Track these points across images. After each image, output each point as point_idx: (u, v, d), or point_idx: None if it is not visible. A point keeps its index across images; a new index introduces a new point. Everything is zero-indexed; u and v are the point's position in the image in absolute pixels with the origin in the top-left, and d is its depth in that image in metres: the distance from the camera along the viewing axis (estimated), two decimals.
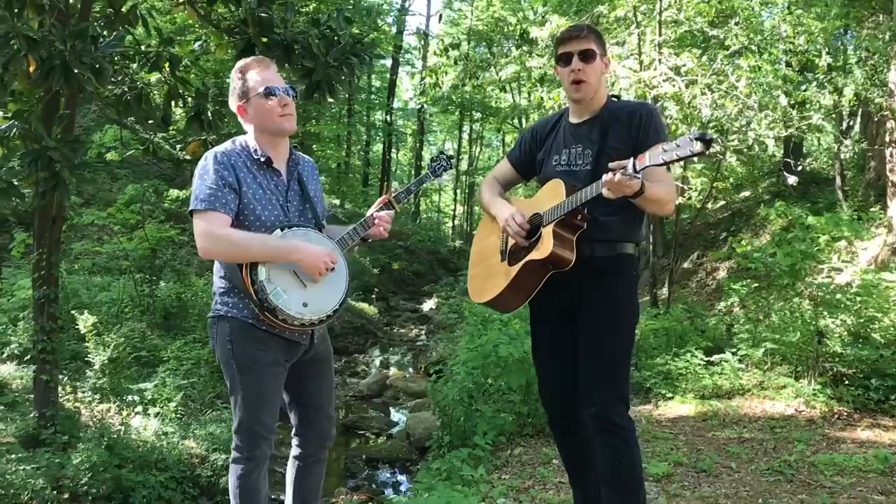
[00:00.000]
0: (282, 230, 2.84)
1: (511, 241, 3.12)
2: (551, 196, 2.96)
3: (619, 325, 2.98)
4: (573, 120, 3.14)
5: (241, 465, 2.92)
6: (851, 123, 16.28)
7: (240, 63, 2.99)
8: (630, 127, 2.96)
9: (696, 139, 2.36)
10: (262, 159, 2.92)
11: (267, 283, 2.74)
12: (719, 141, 9.03)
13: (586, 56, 2.97)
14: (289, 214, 2.96)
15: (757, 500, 4.63)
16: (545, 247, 2.87)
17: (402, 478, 7.62)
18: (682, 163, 2.40)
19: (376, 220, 3.13)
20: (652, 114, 3.04)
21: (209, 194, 2.76)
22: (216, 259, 2.90)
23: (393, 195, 3.29)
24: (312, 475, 3.20)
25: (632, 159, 2.55)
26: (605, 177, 2.62)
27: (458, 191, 38.24)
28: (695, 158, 2.50)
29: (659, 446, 5.81)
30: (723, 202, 17.59)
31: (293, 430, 3.19)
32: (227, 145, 2.95)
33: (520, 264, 2.98)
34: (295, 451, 3.21)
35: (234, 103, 2.97)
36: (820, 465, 5.16)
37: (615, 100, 3.17)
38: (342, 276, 2.97)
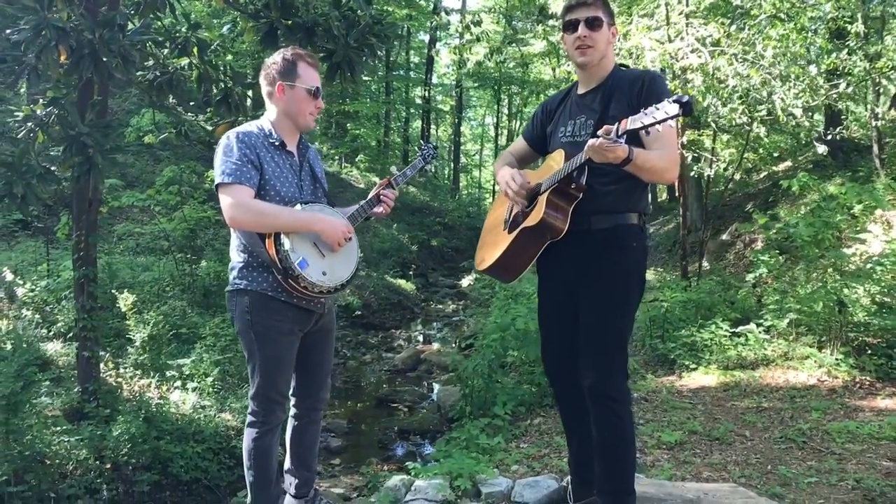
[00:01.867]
0: (301, 205, 3.05)
1: (514, 211, 3.18)
2: (553, 165, 3.01)
3: (618, 298, 2.99)
4: (580, 91, 3.15)
5: (257, 428, 3.13)
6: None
7: (293, 48, 3.14)
8: (631, 94, 2.92)
9: (675, 101, 2.37)
10: (277, 142, 3.11)
11: (291, 252, 2.92)
12: (746, 111, 8.94)
13: (592, 23, 2.95)
14: (303, 192, 3.16)
15: (766, 466, 4.71)
16: (537, 213, 2.90)
17: (431, 449, 7.81)
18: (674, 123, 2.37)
19: (382, 199, 3.32)
20: (655, 80, 2.97)
21: (234, 169, 2.92)
22: (244, 228, 3.03)
23: (393, 178, 3.47)
24: (308, 434, 3.40)
25: (616, 124, 2.54)
26: (589, 141, 2.62)
27: None
28: (671, 123, 2.48)
29: (676, 416, 5.90)
30: (764, 173, 17.36)
31: (291, 391, 3.38)
32: (245, 127, 3.12)
33: (516, 231, 3.04)
34: (292, 410, 3.41)
35: (274, 81, 3.07)
36: (833, 433, 5.20)
37: (623, 69, 3.13)
38: (354, 248, 3.19)
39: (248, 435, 3.15)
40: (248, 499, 3.23)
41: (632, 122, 2.48)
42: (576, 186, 2.86)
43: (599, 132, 2.59)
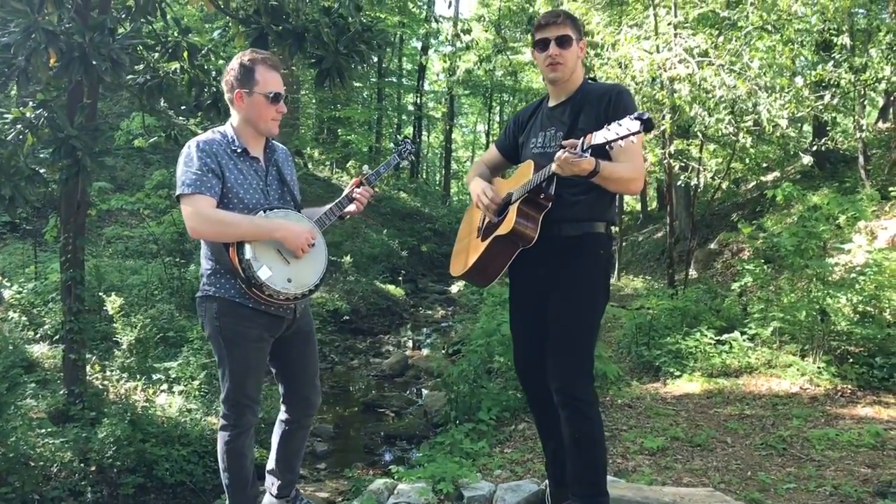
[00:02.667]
0: (264, 212, 3.03)
1: (486, 219, 3.27)
2: (523, 175, 3.10)
3: (585, 303, 3.08)
4: (551, 104, 3.25)
5: (229, 431, 3.15)
6: (884, 104, 16.08)
7: (251, 52, 3.10)
8: (599, 108, 3.02)
9: (636, 118, 2.49)
10: (240, 149, 3.06)
11: (254, 260, 2.90)
12: (732, 122, 9.03)
13: (563, 42, 3.06)
14: (269, 197, 3.13)
15: (746, 472, 4.77)
16: (508, 222, 3.00)
17: (418, 454, 7.83)
18: (635, 139, 2.44)
19: (356, 197, 3.30)
20: (622, 94, 3.08)
21: (195, 179, 2.91)
22: (205, 238, 3.03)
23: (364, 177, 3.43)
24: (295, 439, 3.42)
25: (582, 138, 2.65)
26: (556, 154, 2.71)
27: None
28: (634, 139, 2.58)
29: (659, 422, 5.95)
30: (752, 184, 17.50)
31: (281, 398, 3.40)
32: (208, 135, 3.08)
33: (489, 239, 3.13)
34: (282, 415, 3.43)
35: (232, 88, 3.03)
36: (813, 440, 5.27)
37: (591, 82, 3.25)
38: (321, 252, 3.14)
39: (221, 438, 3.17)
40: (227, 502, 3.25)
41: (596, 138, 2.59)
42: (545, 196, 2.95)
43: (564, 144, 2.69)
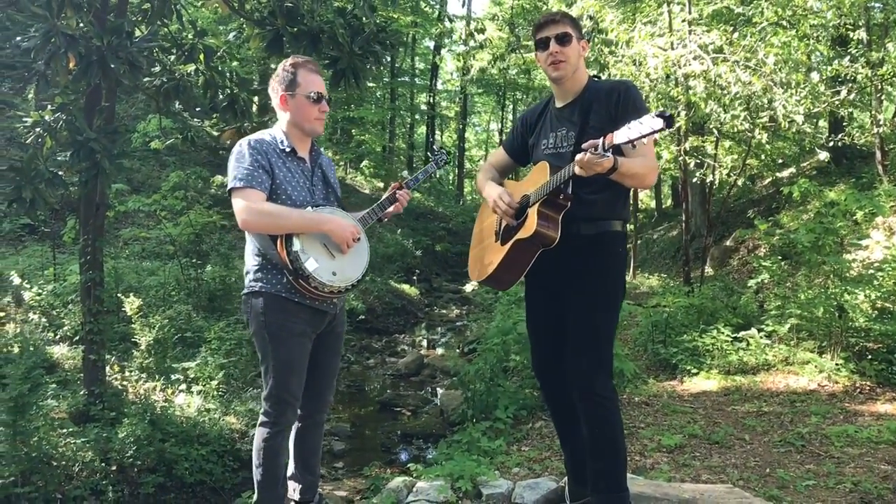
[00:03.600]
0: (312, 208, 3.16)
1: (504, 223, 3.29)
2: (538, 178, 3.11)
3: (604, 300, 3.10)
4: (558, 104, 3.28)
5: (268, 428, 3.20)
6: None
7: (293, 58, 3.26)
8: (609, 105, 3.04)
9: (658, 116, 2.49)
10: (288, 149, 3.22)
11: (301, 252, 3.03)
12: (748, 118, 9.00)
13: (562, 39, 3.09)
14: (314, 196, 3.27)
15: (765, 469, 4.76)
16: (530, 225, 3.02)
17: (435, 453, 7.85)
18: (657, 136, 2.47)
19: (397, 199, 3.46)
20: (630, 90, 3.11)
21: (246, 174, 3.05)
22: (255, 230, 3.13)
23: (404, 181, 3.59)
24: (312, 436, 3.46)
25: (602, 138, 2.67)
26: (577, 156, 2.74)
27: None
28: (657, 127, 2.59)
29: (676, 420, 5.95)
30: (768, 180, 17.40)
31: None
32: (258, 135, 3.25)
33: (510, 243, 3.15)
34: None
35: (278, 92, 3.22)
36: (832, 437, 5.25)
37: (596, 80, 3.27)
38: (364, 249, 3.29)
39: (260, 434, 3.22)
40: (255, 497, 3.29)
41: (617, 137, 2.60)
42: (564, 197, 2.98)
43: (585, 145, 2.71)
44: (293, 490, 3.47)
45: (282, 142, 3.23)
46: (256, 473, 3.25)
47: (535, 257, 3.11)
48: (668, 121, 2.49)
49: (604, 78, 3.37)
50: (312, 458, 3.49)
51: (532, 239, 3.02)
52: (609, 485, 3.03)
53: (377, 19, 6.87)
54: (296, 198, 3.17)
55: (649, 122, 2.50)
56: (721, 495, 3.50)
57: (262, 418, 3.23)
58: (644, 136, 2.52)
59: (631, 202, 3.66)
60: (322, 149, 3.48)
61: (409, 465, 5.47)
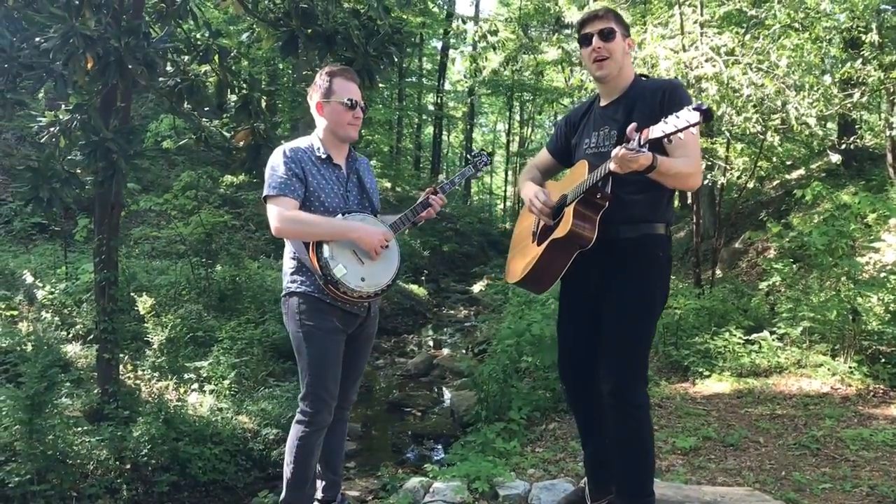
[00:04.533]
0: (343, 215, 3.24)
1: (541, 223, 3.23)
2: (577, 176, 3.05)
3: (642, 306, 3.04)
4: (602, 103, 3.21)
5: (305, 427, 3.26)
6: None
7: (329, 67, 3.37)
8: (654, 103, 2.95)
9: (695, 109, 2.41)
10: (324, 157, 3.32)
11: (331, 259, 3.11)
12: (760, 120, 9.00)
13: (606, 35, 3.03)
14: (348, 202, 3.35)
15: (780, 472, 4.76)
16: (565, 224, 2.95)
17: (445, 453, 7.86)
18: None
19: (431, 203, 3.47)
20: (676, 88, 3.00)
21: (280, 183, 3.17)
22: (287, 237, 3.25)
23: (439, 185, 3.59)
24: (335, 434, 3.50)
25: (637, 134, 2.58)
26: (613, 151, 2.66)
27: (510, 172, 38.28)
28: (693, 131, 2.52)
29: (690, 422, 5.95)
30: (777, 181, 17.38)
31: None
32: (295, 143, 3.34)
33: (546, 243, 3.08)
34: None
35: (315, 100, 3.33)
36: (847, 440, 5.25)
37: (644, 79, 3.19)
38: (394, 254, 3.36)
39: (295, 431, 3.28)
40: (283, 495, 3.33)
41: (653, 132, 2.52)
42: (601, 196, 2.89)
43: (624, 142, 2.63)
44: (316, 488, 3.51)
45: (318, 149, 3.32)
46: (287, 471, 3.29)
47: (571, 259, 3.03)
48: (706, 114, 2.41)
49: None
50: (335, 458, 3.54)
51: (568, 238, 2.94)
52: (636, 489, 3.03)
53: (391, 21, 6.88)
54: (329, 204, 3.25)
55: (685, 116, 2.42)
56: (741, 498, 3.51)
57: (298, 416, 3.29)
58: (680, 130, 2.44)
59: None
60: (358, 155, 3.55)
61: (425, 466, 5.48)
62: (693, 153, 2.90)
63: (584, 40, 3.10)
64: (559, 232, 2.99)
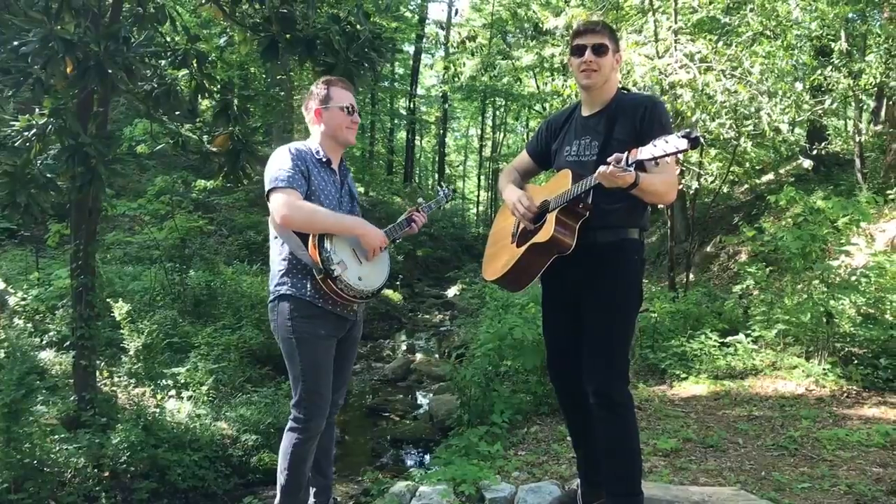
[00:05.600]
0: None
1: (521, 225, 3.33)
2: (560, 184, 3.15)
3: (620, 307, 3.15)
4: (584, 112, 3.30)
5: (298, 434, 3.27)
6: (875, 107, 16.26)
7: (325, 77, 3.49)
8: (634, 119, 3.09)
9: (683, 137, 2.54)
10: (324, 160, 3.39)
11: (332, 254, 3.17)
12: (733, 126, 9.14)
13: (599, 50, 3.12)
14: (342, 207, 3.43)
15: (760, 472, 4.84)
16: (547, 231, 3.06)
17: (425, 457, 7.88)
18: (681, 155, 2.51)
19: (414, 220, 3.61)
20: (656, 106, 3.16)
21: (288, 176, 3.21)
22: (296, 226, 3.22)
23: (421, 207, 3.74)
24: (324, 437, 3.50)
25: (626, 153, 2.72)
26: (600, 168, 2.79)
27: (483, 177, 38.42)
28: (682, 148, 2.63)
29: (670, 423, 6.02)
30: (746, 186, 17.62)
31: None
32: (297, 144, 3.41)
33: (525, 246, 3.18)
34: None
35: (312, 107, 3.40)
36: (823, 440, 5.34)
37: (625, 92, 3.31)
38: (386, 260, 3.48)
39: (289, 438, 3.28)
40: (277, 500, 3.34)
41: (642, 153, 2.65)
42: (584, 206, 3.03)
43: (610, 159, 2.75)
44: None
45: (318, 152, 3.39)
46: (281, 478, 3.30)
47: (548, 262, 3.14)
48: (694, 142, 2.54)
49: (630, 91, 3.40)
50: (324, 461, 3.55)
51: (548, 244, 3.05)
52: (625, 488, 3.08)
53: (371, 26, 6.89)
54: (326, 206, 3.30)
55: (675, 142, 2.54)
56: (728, 497, 3.57)
57: (291, 423, 3.29)
58: (668, 156, 2.58)
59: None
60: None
61: (410, 470, 5.51)
62: (670, 171, 3.03)
63: (577, 50, 3.17)
64: (540, 237, 3.10)
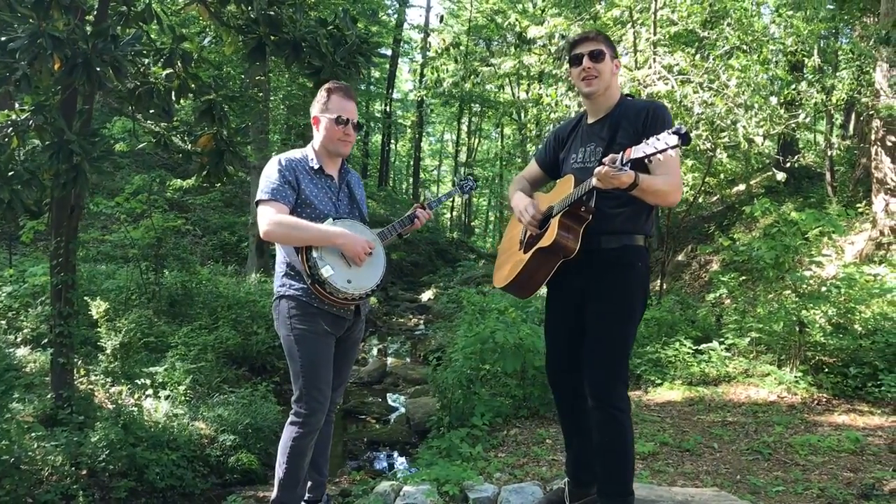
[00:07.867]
0: (332, 220, 3.37)
1: (528, 233, 3.40)
2: (563, 189, 3.22)
3: (621, 314, 3.19)
4: (590, 120, 3.38)
5: (299, 428, 3.34)
6: (844, 121, 16.62)
7: (331, 83, 3.52)
8: (637, 123, 3.12)
9: (674, 133, 2.60)
10: (316, 167, 3.46)
11: (319, 260, 3.25)
12: (710, 138, 9.33)
13: (596, 56, 3.18)
14: (339, 210, 3.49)
15: (735, 476, 4.97)
16: (550, 235, 3.12)
17: (401, 459, 7.93)
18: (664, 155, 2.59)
19: (417, 217, 3.69)
20: (658, 110, 3.17)
21: (273, 189, 3.30)
22: (276, 239, 3.35)
23: (427, 202, 3.81)
24: (321, 435, 3.57)
25: (621, 153, 2.77)
26: (596, 169, 2.84)
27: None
28: (672, 152, 2.71)
29: (647, 428, 6.14)
30: (717, 196, 17.90)
31: None
32: (290, 153, 3.49)
33: (531, 251, 3.25)
34: None
35: (314, 112, 3.49)
36: (796, 446, 5.49)
37: (629, 99, 3.35)
38: (380, 261, 3.51)
39: (289, 432, 3.35)
40: (274, 494, 3.38)
41: (635, 152, 2.71)
42: (585, 209, 3.07)
43: (605, 160, 2.80)
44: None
45: (311, 160, 3.47)
46: (279, 472, 3.36)
47: (555, 267, 3.20)
48: (684, 137, 2.59)
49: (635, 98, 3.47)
50: (320, 458, 3.62)
51: (552, 248, 3.11)
52: (617, 488, 3.17)
53: (358, 31, 6.94)
54: (321, 210, 3.38)
55: (665, 138, 2.61)
56: (710, 498, 3.67)
57: (292, 418, 3.36)
58: (659, 152, 2.63)
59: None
60: (350, 168, 3.72)
61: (394, 470, 5.55)
62: (673, 172, 3.06)
63: (575, 60, 3.24)
64: (545, 241, 3.15)
